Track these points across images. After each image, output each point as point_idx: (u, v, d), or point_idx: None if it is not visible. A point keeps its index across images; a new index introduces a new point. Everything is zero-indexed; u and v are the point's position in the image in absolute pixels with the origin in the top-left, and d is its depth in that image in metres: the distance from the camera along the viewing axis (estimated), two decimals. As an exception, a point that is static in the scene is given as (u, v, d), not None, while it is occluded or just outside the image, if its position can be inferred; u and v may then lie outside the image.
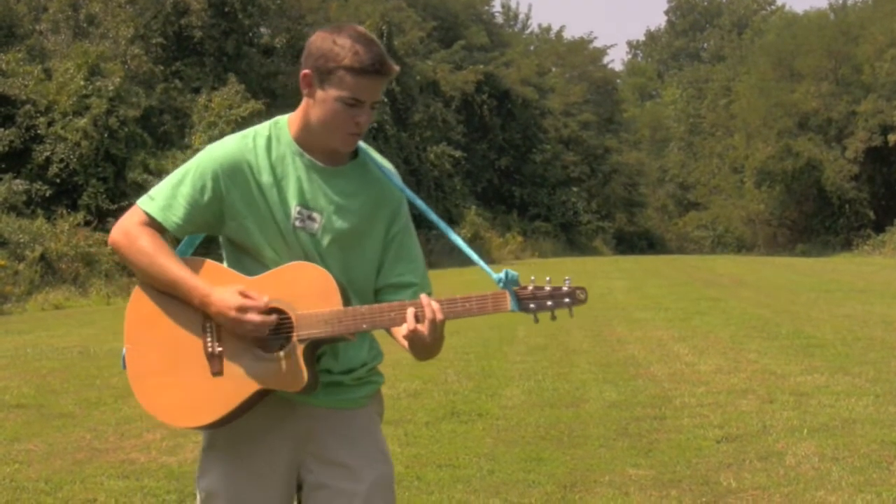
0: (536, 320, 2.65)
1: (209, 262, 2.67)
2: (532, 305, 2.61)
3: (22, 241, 21.56)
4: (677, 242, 61.65)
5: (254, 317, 2.53)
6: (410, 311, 2.57)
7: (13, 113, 26.22)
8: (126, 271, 22.98)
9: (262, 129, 2.72)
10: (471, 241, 36.53)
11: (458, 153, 42.77)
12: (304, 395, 2.64)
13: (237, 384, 2.59)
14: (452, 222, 37.84)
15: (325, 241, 2.67)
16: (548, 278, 2.66)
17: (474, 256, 2.81)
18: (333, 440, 2.71)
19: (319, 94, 2.60)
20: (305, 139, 2.68)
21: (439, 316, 2.56)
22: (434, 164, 40.89)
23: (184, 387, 2.62)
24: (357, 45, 2.56)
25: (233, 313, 2.53)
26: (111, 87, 26.39)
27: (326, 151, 2.69)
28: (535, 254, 44.48)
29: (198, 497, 2.80)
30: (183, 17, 32.35)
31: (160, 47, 32.18)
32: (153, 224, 2.65)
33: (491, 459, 6.37)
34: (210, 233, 2.76)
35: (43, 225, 22.96)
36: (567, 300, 2.63)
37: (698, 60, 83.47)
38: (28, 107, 26.24)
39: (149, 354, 2.66)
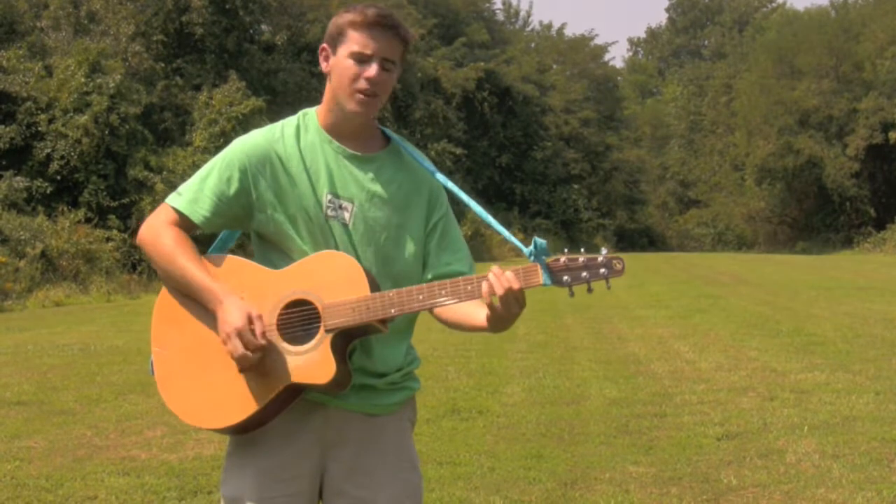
0: (572, 294, 2.51)
1: (233, 258, 2.61)
2: (566, 278, 2.47)
3: (22, 238, 21.54)
4: (678, 240, 61.68)
5: (237, 346, 2.43)
6: (485, 286, 2.44)
7: (14, 110, 26.20)
8: (127, 268, 23.01)
9: (290, 119, 2.67)
10: (471, 239, 36.55)
11: (458, 150, 42.76)
12: (334, 390, 2.54)
13: (266, 381, 2.50)
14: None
15: (359, 231, 2.60)
16: (582, 249, 2.55)
17: (505, 233, 2.71)
18: (360, 446, 2.63)
19: (333, 60, 2.59)
20: (333, 125, 2.63)
21: (515, 285, 2.43)
22: (435, 162, 40.75)
23: (211, 387, 2.54)
24: (364, 7, 2.56)
25: (224, 332, 2.46)
26: (112, 85, 26.38)
27: (356, 137, 2.64)
28: (536, 251, 44.40)
29: (222, 501, 2.70)
30: (184, 14, 32.34)
31: (161, 44, 32.16)
32: (181, 220, 2.60)
33: (491, 457, 6.37)
34: (240, 228, 2.70)
35: (44, 222, 22.95)
36: (603, 271, 2.47)
37: (699, 58, 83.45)
38: (29, 104, 26.23)
39: (176, 356, 2.59)
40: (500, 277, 2.45)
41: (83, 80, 26.33)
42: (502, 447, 6.64)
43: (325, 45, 2.61)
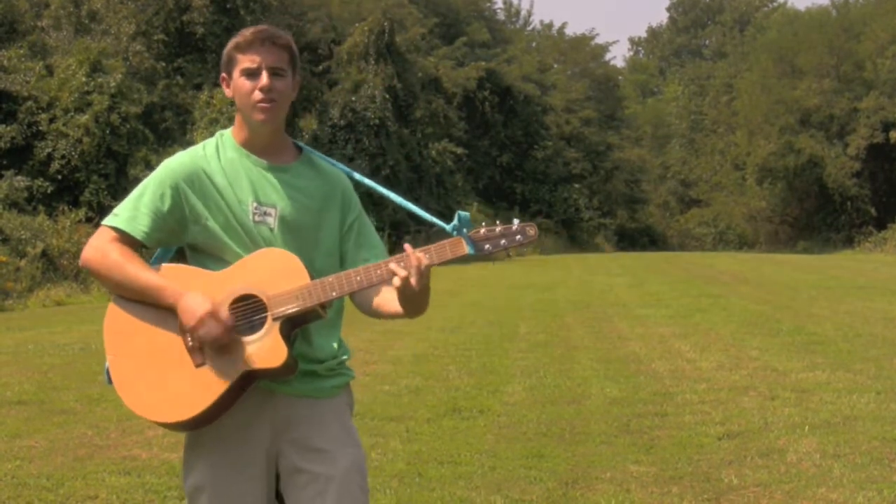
0: (493, 261, 2.75)
1: (172, 266, 2.81)
2: (487, 246, 2.73)
3: (23, 237, 21.56)
4: (679, 239, 61.65)
5: (210, 327, 2.64)
6: (394, 264, 2.70)
7: (15, 109, 26.22)
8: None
9: (209, 140, 2.92)
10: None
11: (459, 150, 42.73)
12: (284, 375, 2.72)
13: (221, 371, 2.68)
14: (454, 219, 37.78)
15: (282, 234, 2.81)
16: (497, 221, 2.79)
17: (425, 214, 2.99)
18: (308, 427, 2.82)
19: (231, 84, 2.84)
20: (247, 140, 2.86)
21: (424, 262, 2.68)
22: (436, 161, 40.86)
23: (170, 383, 2.71)
24: (244, 30, 2.84)
25: (195, 318, 2.64)
26: (113, 84, 26.40)
27: (269, 149, 2.87)
28: (537, 250, 44.47)
29: (186, 495, 2.89)
30: (185, 14, 32.36)
31: (162, 43, 32.18)
32: (122, 238, 2.80)
33: (492, 456, 6.37)
34: (176, 242, 2.89)
35: (44, 221, 22.96)
36: (519, 237, 2.74)
37: (700, 57, 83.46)
38: (30, 103, 26.24)
39: (132, 362, 2.75)
40: (412, 255, 2.69)
41: (84, 79, 26.34)
42: (503, 446, 6.64)
43: (223, 74, 2.87)
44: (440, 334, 12.48)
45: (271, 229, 2.80)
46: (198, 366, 2.68)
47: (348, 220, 2.93)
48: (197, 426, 2.76)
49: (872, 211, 48.66)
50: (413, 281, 2.67)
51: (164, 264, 2.82)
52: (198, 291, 2.69)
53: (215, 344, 2.65)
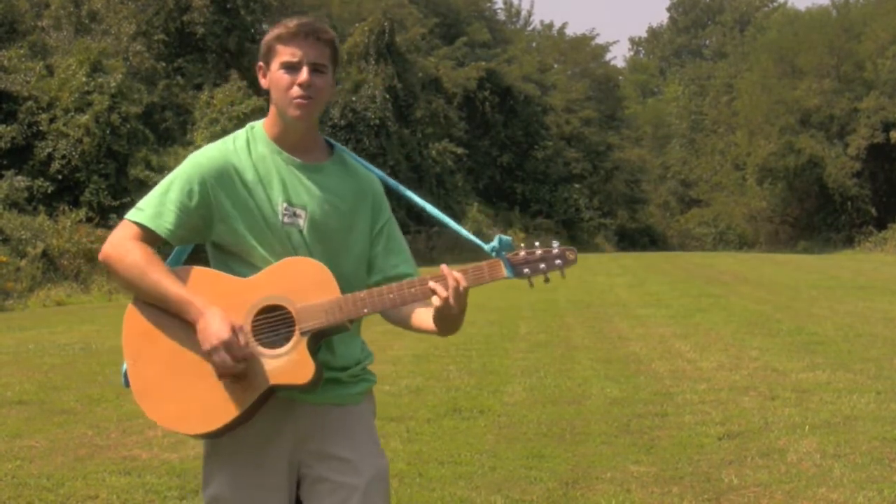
0: (531, 284, 2.69)
1: (200, 269, 2.68)
2: (526, 270, 2.66)
3: (24, 237, 21.58)
4: (679, 239, 61.61)
5: (224, 357, 2.52)
6: (434, 283, 2.62)
7: (15, 109, 26.23)
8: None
9: (239, 133, 2.80)
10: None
11: (460, 150, 42.74)
12: (310, 388, 2.63)
13: (246, 384, 2.59)
14: (454, 219, 37.77)
15: (312, 236, 2.71)
16: (536, 242, 2.70)
17: (463, 231, 2.91)
18: (333, 435, 2.74)
19: (269, 76, 2.73)
20: (280, 135, 2.75)
21: (463, 283, 2.61)
22: (436, 161, 40.86)
23: (193, 394, 2.61)
24: (287, 20, 2.72)
25: (210, 343, 2.53)
26: (113, 84, 26.41)
27: (302, 147, 2.77)
28: (537, 250, 44.25)
29: None
30: (185, 14, 32.37)
31: (162, 44, 32.19)
32: (145, 234, 2.67)
33: (493, 456, 6.37)
34: (200, 239, 2.77)
35: (45, 221, 22.98)
36: (559, 262, 2.67)
37: (700, 57, 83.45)
38: (30, 103, 26.25)
39: (152, 367, 2.65)
40: (449, 276, 2.62)
41: (84, 79, 26.36)
42: (503, 446, 6.64)
43: (260, 63, 2.76)
44: (440, 334, 12.47)
45: (301, 231, 2.70)
46: (220, 378, 2.59)
47: (378, 225, 2.83)
48: (216, 437, 2.68)
49: (873, 211, 48.66)
50: (451, 302, 2.61)
51: (185, 267, 2.69)
52: (218, 312, 2.56)
53: (224, 373, 2.55)
